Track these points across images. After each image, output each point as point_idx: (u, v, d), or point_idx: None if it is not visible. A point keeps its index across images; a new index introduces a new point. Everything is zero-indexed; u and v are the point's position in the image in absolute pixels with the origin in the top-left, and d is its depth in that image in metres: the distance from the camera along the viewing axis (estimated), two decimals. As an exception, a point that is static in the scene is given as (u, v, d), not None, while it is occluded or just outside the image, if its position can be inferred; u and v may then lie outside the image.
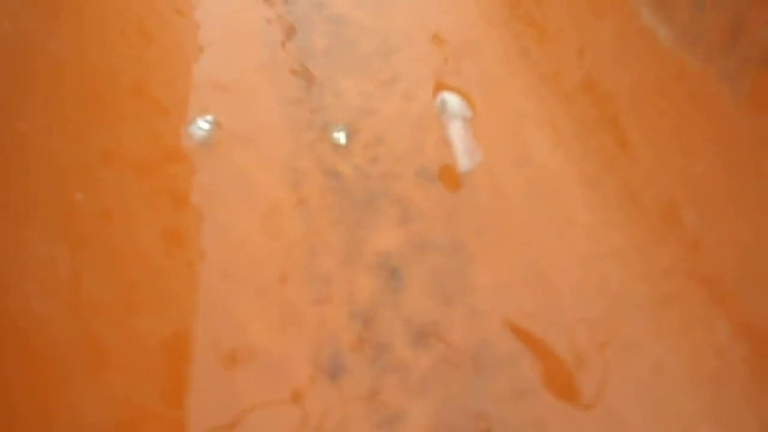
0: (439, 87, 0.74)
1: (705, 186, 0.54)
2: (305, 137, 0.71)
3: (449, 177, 0.68)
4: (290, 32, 0.82)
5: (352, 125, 0.72)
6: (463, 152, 0.70)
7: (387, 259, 0.63)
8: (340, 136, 0.71)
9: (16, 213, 0.45)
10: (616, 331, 0.56)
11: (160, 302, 0.53)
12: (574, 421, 0.53)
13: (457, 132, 0.71)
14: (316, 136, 0.71)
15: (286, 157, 0.69)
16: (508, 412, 0.54)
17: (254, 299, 0.60)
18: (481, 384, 0.56)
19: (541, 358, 0.56)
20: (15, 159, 0.46)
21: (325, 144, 0.71)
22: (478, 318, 0.59)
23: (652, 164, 0.59)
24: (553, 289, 0.59)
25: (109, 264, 0.52)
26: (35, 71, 0.53)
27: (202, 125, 0.67)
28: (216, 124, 0.68)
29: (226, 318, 0.57)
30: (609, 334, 0.56)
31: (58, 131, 0.53)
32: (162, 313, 0.53)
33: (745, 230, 0.50)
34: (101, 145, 0.57)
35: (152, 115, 0.65)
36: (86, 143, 0.56)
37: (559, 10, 0.70)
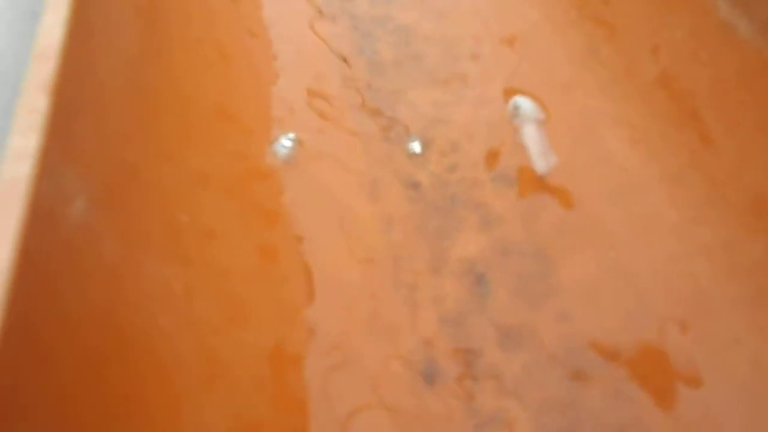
0: (510, 91, 0.75)
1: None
2: (381, 149, 0.73)
3: (526, 180, 0.69)
4: (357, 47, 0.84)
5: (426, 134, 0.74)
6: (539, 155, 0.70)
7: (472, 265, 0.64)
8: (415, 146, 0.73)
9: (136, 239, 0.48)
10: (711, 328, 0.56)
11: (262, 315, 0.56)
12: (672, 420, 0.54)
13: (531, 135, 0.71)
14: (392, 147, 0.73)
15: (364, 169, 0.72)
16: (604, 413, 0.54)
17: (345, 308, 0.62)
18: (574, 386, 0.56)
19: (633, 358, 0.57)
20: (129, 189, 0.50)
21: (401, 155, 0.73)
22: (566, 320, 0.60)
23: (737, 158, 0.59)
24: (642, 288, 0.60)
25: (214, 281, 0.55)
26: (136, 102, 0.57)
27: (285, 143, 0.70)
28: (297, 141, 0.71)
29: (323, 328, 0.60)
30: (703, 332, 0.56)
31: (160, 158, 0.57)
32: (265, 326, 0.56)
33: None
34: (197, 168, 0.60)
35: (238, 135, 0.68)
36: (184, 167, 0.59)
37: (629, 8, 0.70)
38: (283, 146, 0.70)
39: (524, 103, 0.73)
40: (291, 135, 0.70)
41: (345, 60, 0.83)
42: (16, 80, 0.42)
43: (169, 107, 0.62)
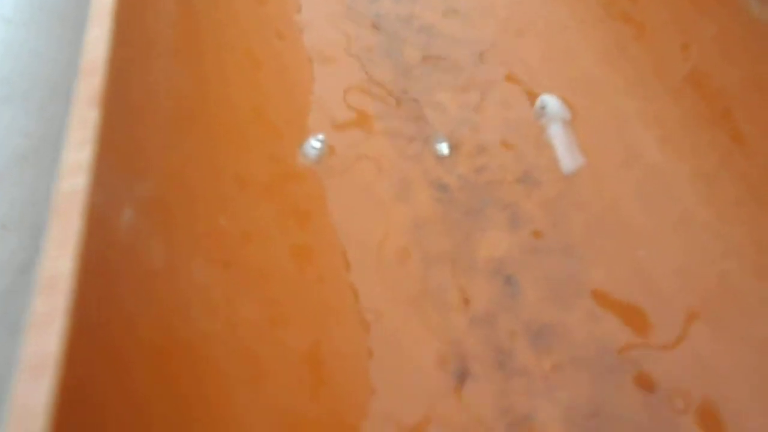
0: (536, 91, 0.76)
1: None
2: (409, 150, 0.74)
3: (554, 180, 0.70)
4: (382, 48, 0.85)
5: (453, 136, 0.75)
6: (566, 154, 0.71)
7: (500, 265, 0.65)
8: (443, 147, 0.73)
9: (181, 244, 0.50)
10: (742, 329, 0.56)
11: (299, 315, 0.58)
12: (703, 416, 0.54)
13: (558, 134, 0.72)
14: (420, 148, 0.74)
15: (394, 171, 0.73)
16: (634, 410, 0.55)
17: (377, 310, 0.63)
18: (605, 384, 0.57)
19: (661, 357, 0.57)
20: (172, 195, 0.51)
21: (429, 157, 0.73)
22: (596, 320, 0.60)
23: (769, 158, 0.59)
24: (671, 288, 0.60)
25: (253, 283, 0.56)
26: (175, 111, 0.58)
27: (315, 144, 0.71)
28: (326, 143, 0.72)
29: (352, 328, 0.61)
30: (734, 332, 0.57)
31: (199, 163, 0.58)
32: (302, 326, 0.57)
33: None
34: (232, 171, 0.62)
35: (270, 138, 0.69)
36: (220, 171, 0.61)
37: (658, 6, 0.70)
38: (313, 147, 0.71)
39: (551, 101, 0.73)
40: (320, 136, 0.71)
41: (375, 59, 0.84)
42: (68, 90, 0.44)
43: (200, 113, 0.63)
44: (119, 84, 0.45)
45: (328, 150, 0.72)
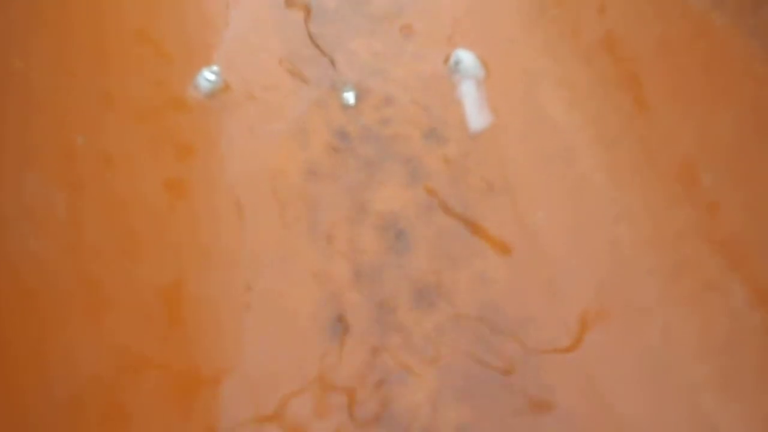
0: (452, 46, 0.72)
1: (724, 147, 0.52)
2: (313, 96, 0.69)
3: (459, 139, 0.66)
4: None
5: (362, 85, 0.70)
6: (474, 113, 0.68)
7: (394, 220, 0.61)
8: (349, 97, 0.69)
9: (16, 153, 0.44)
10: (624, 297, 0.55)
11: (160, 251, 0.52)
12: (580, 386, 0.52)
13: (469, 92, 0.69)
14: (325, 95, 0.69)
15: (293, 114, 0.68)
16: (511, 375, 0.53)
17: (255, 251, 0.58)
18: (485, 347, 0.54)
19: (547, 321, 0.55)
20: (12, 97, 0.45)
21: (333, 103, 0.69)
22: (484, 282, 0.57)
23: (671, 125, 0.57)
24: (563, 253, 0.58)
25: (109, 210, 0.51)
26: (40, 9, 0.51)
27: (208, 76, 0.65)
28: (222, 76, 0.66)
29: (228, 272, 0.56)
30: (616, 299, 0.55)
31: (60, 72, 0.52)
32: (162, 262, 0.52)
33: (764, 192, 0.48)
34: (104, 89, 0.56)
35: (157, 62, 0.63)
36: (89, 86, 0.55)
37: (580, -34, 0.67)
38: (206, 79, 0.65)
39: (466, 57, 0.70)
40: (215, 68, 0.66)
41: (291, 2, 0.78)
42: None
43: (81, 21, 0.57)
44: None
45: (224, 85, 0.67)
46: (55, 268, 0.44)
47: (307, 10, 0.77)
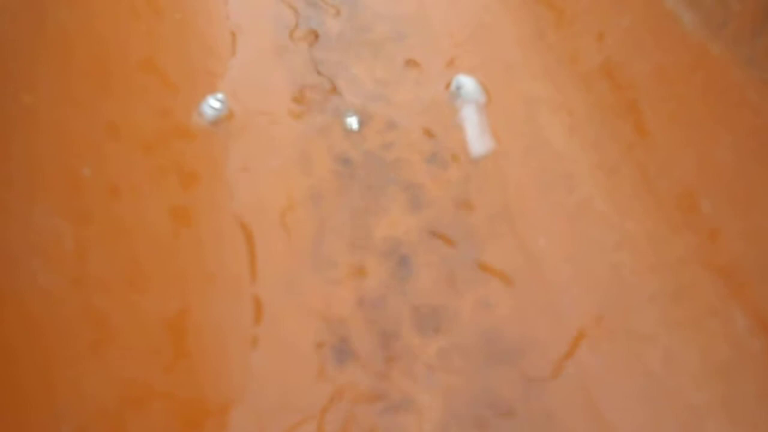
0: (453, 72, 0.73)
1: (723, 175, 0.52)
2: (317, 121, 0.70)
3: (461, 164, 0.67)
4: (303, 16, 0.80)
5: (365, 111, 0.71)
6: (476, 138, 0.68)
7: (397, 245, 0.62)
8: (353, 122, 0.70)
9: (22, 186, 0.44)
10: (626, 322, 0.55)
11: (165, 280, 0.53)
12: (582, 412, 0.52)
13: (470, 117, 0.69)
14: (329, 120, 0.70)
15: (297, 141, 0.68)
16: (516, 403, 0.53)
17: (263, 281, 0.59)
18: (489, 373, 0.55)
19: (549, 347, 0.55)
20: (20, 131, 0.46)
21: (337, 129, 0.70)
22: (488, 308, 0.58)
23: (671, 152, 0.57)
24: (562, 277, 0.58)
25: (115, 240, 0.51)
26: (44, 42, 0.52)
27: (213, 104, 0.66)
28: (227, 104, 0.67)
29: (234, 300, 0.57)
30: (617, 325, 0.55)
31: (66, 104, 0.52)
32: (167, 292, 0.52)
33: (764, 220, 0.48)
34: (109, 120, 0.56)
35: (161, 91, 0.64)
36: (94, 117, 0.55)
37: (579, -7, 0.68)
38: (211, 107, 0.66)
39: (467, 82, 0.70)
40: (220, 96, 0.67)
41: (296, 27, 0.79)
42: None
43: (84, 52, 0.58)
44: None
45: (228, 112, 0.68)
46: (62, 300, 0.45)
47: (314, 37, 0.78)
